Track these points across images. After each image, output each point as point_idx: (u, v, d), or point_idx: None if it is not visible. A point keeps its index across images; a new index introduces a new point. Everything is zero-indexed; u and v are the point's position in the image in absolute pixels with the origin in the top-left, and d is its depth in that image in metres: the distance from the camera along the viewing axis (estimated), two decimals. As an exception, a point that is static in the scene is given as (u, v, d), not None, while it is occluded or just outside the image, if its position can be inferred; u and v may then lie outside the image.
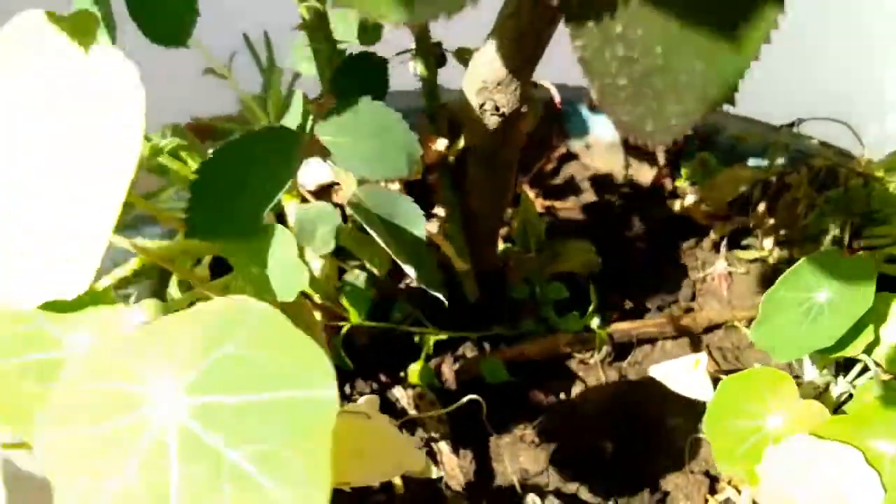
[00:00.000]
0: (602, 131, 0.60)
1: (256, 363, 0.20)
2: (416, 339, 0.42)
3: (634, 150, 0.60)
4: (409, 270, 0.29)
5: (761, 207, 0.49)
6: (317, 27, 0.34)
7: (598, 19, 0.16)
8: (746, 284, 0.48)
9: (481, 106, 0.33)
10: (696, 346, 0.46)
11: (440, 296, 0.31)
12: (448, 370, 0.42)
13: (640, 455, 0.39)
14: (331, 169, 0.40)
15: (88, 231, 0.23)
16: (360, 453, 0.27)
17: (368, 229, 0.29)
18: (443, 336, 0.41)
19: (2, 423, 0.24)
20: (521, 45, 0.30)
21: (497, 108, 0.32)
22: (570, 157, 0.61)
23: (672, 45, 0.18)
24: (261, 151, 0.28)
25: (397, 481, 0.35)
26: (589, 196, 0.58)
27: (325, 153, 0.29)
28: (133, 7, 0.28)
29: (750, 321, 0.46)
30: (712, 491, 0.37)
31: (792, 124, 0.48)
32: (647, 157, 0.60)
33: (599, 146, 0.61)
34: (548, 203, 0.58)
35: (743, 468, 0.28)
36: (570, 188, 0.60)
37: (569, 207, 0.58)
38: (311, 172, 0.40)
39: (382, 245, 0.29)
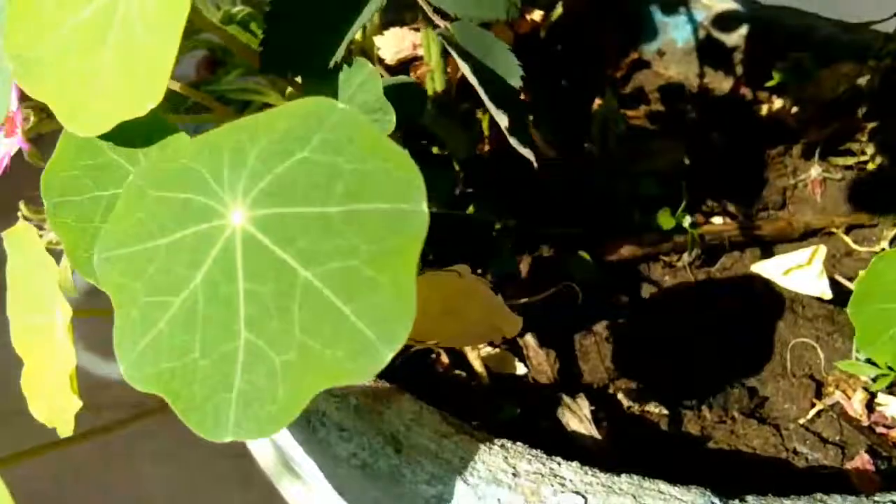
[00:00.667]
0: (676, 35, 0.57)
1: (337, 170, 0.17)
2: (495, 232, 0.39)
3: (711, 56, 0.56)
4: (501, 118, 0.26)
5: (863, 110, 0.45)
6: None
7: None
8: (843, 191, 0.45)
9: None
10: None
11: (530, 155, 0.28)
12: (526, 266, 0.39)
13: (736, 358, 0.36)
14: (417, 41, 0.36)
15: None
16: (452, 312, 0.25)
17: (461, 66, 0.25)
18: (525, 228, 0.38)
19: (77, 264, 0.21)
20: None
21: None
22: (642, 64, 0.57)
23: None
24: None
25: (481, 369, 0.32)
26: (662, 105, 0.54)
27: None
28: None
29: (849, 228, 0.43)
30: (818, 395, 0.34)
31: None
32: (725, 63, 0.56)
33: (673, 52, 0.57)
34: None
35: (891, 353, 0.25)
36: (642, 97, 0.56)
37: (640, 116, 0.54)
38: (392, 43, 0.36)
39: (474, 82, 0.25)
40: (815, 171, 0.46)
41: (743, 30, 0.54)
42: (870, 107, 0.45)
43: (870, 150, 0.45)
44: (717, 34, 0.55)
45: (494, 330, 0.26)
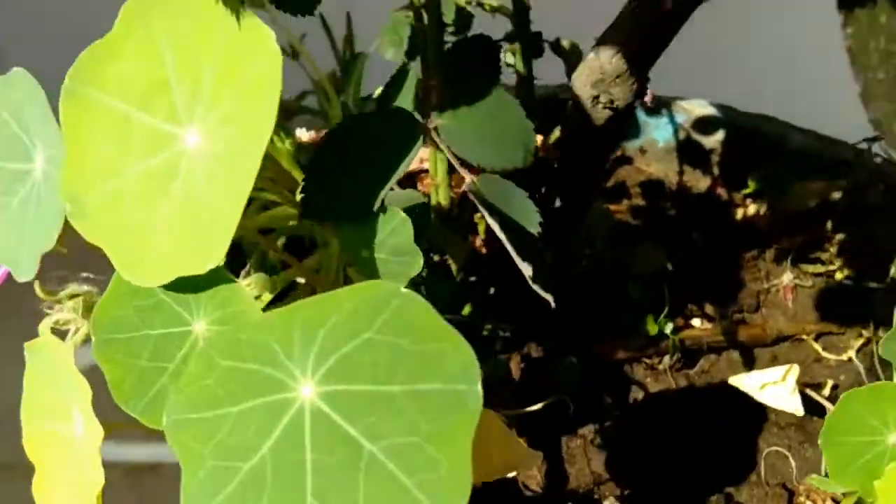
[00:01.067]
0: (657, 135, 0.60)
1: (399, 351, 0.19)
2: (485, 332, 0.41)
3: (689, 156, 0.59)
4: (525, 268, 0.28)
5: (831, 223, 0.48)
6: (427, 6, 0.33)
7: (865, 6, 0.16)
8: (812, 299, 0.48)
9: (595, 98, 0.32)
10: (759, 359, 0.45)
11: (549, 298, 0.30)
12: (516, 368, 0.41)
13: (713, 464, 0.38)
14: (424, 155, 0.39)
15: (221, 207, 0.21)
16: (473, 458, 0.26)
17: (489, 220, 0.28)
18: (518, 331, 0.40)
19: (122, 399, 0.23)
20: (647, 39, 0.29)
21: (612, 102, 0.32)
22: (625, 159, 0.60)
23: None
24: (379, 133, 0.28)
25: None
26: (643, 200, 0.57)
27: (436, 138, 0.28)
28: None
29: (818, 335, 0.46)
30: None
31: (869, 140, 0.47)
32: (703, 165, 0.59)
33: (654, 151, 0.60)
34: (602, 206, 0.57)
35: (858, 482, 0.27)
36: (624, 191, 0.59)
37: (623, 210, 0.57)
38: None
39: (501, 237, 0.28)
40: (787, 277, 0.48)
41: (720, 134, 0.58)
42: (838, 221, 0.48)
43: (837, 261, 0.48)
44: (696, 136, 0.59)
45: (511, 467, 0.28)
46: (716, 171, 0.58)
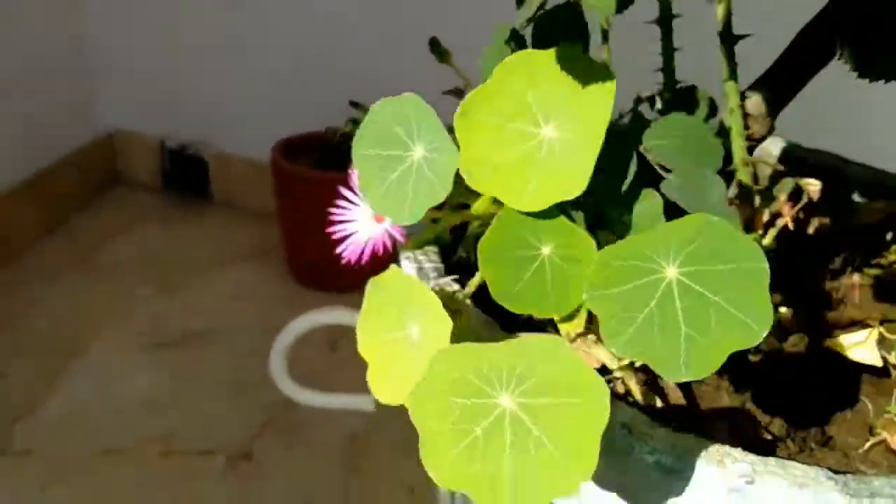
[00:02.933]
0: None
1: (719, 248, 0.32)
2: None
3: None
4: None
5: (889, 235, 0.61)
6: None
7: None
8: (874, 294, 0.60)
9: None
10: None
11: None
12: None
13: (812, 407, 0.51)
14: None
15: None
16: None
17: (681, 202, 0.40)
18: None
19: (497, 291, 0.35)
20: (781, 94, 0.42)
21: (752, 135, 0.44)
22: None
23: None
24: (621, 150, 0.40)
25: (640, 396, 0.46)
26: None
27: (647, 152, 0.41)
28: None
29: (882, 321, 0.58)
30: (871, 434, 0.49)
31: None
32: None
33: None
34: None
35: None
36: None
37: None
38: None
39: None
40: (855, 277, 0.61)
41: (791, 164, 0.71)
42: (892, 232, 0.60)
43: (893, 263, 0.60)
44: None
45: None
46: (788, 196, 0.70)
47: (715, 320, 0.30)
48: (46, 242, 1.76)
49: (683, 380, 0.30)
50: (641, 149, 0.40)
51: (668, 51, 0.44)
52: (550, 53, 0.34)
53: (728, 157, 0.43)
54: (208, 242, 1.80)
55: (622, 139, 0.39)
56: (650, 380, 0.49)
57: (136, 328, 1.54)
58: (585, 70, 0.33)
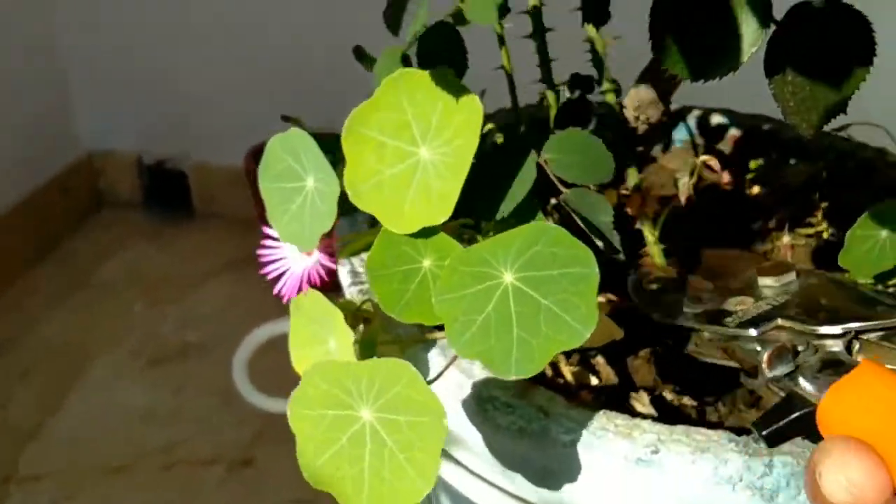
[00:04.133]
0: (675, 136, 0.75)
1: (555, 254, 0.34)
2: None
3: (704, 152, 0.74)
4: (599, 242, 0.43)
5: (816, 195, 0.63)
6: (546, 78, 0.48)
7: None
8: (807, 253, 0.62)
9: (636, 118, 0.47)
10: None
11: (621, 253, 0.44)
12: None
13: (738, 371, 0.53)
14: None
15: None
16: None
17: (575, 216, 0.42)
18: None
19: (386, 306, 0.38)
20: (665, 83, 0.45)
21: (648, 119, 0.47)
22: (650, 159, 0.75)
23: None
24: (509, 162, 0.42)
25: (570, 378, 0.48)
26: (671, 189, 0.72)
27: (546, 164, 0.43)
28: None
29: (812, 278, 0.60)
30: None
31: (840, 129, 0.62)
32: (715, 158, 0.74)
33: (673, 149, 0.75)
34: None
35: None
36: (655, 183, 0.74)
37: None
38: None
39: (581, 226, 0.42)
40: (786, 238, 0.63)
41: (725, 132, 0.73)
42: (821, 193, 0.62)
43: (823, 224, 0.62)
44: (706, 135, 0.74)
45: (610, 336, 0.43)
46: (723, 161, 0.73)
47: (544, 322, 0.32)
48: (38, 267, 1.79)
49: (512, 378, 0.33)
50: (541, 160, 0.42)
51: (545, 62, 0.46)
52: (425, 74, 0.36)
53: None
54: (196, 254, 1.82)
55: (517, 147, 0.40)
56: (581, 359, 0.52)
57: (133, 345, 1.57)
58: (455, 95, 0.35)
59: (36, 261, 1.80)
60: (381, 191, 0.36)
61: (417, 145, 0.36)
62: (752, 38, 0.36)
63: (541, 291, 0.32)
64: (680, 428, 0.40)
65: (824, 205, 0.62)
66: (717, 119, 0.73)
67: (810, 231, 0.63)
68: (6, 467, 1.31)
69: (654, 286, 0.50)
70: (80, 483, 1.27)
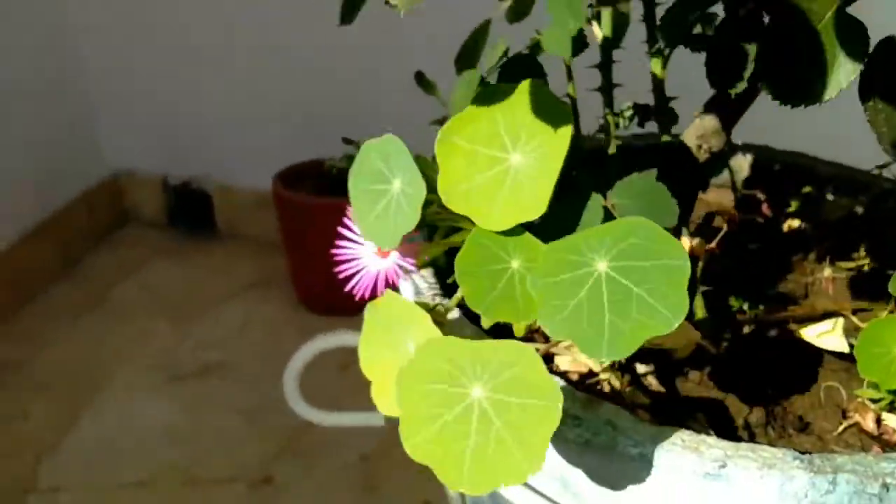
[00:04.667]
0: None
1: (648, 247, 0.36)
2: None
3: (743, 187, 0.76)
4: None
5: (857, 230, 0.64)
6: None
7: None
8: (847, 286, 0.64)
9: (699, 147, 0.49)
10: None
11: None
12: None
13: (784, 394, 0.54)
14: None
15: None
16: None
17: None
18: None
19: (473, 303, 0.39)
20: (731, 111, 0.47)
21: (710, 148, 0.49)
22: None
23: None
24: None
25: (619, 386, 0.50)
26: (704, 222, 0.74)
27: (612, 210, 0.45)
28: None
29: (855, 311, 0.62)
30: (843, 418, 0.52)
31: (880, 167, 0.64)
32: (752, 194, 0.76)
33: (711, 186, 0.77)
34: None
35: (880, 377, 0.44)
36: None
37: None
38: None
39: None
40: (827, 272, 0.64)
41: (763, 167, 0.75)
42: (862, 228, 0.64)
43: (864, 258, 0.64)
44: (745, 171, 0.76)
45: (692, 342, 0.45)
46: (762, 196, 0.74)
47: (636, 309, 0.34)
48: (61, 284, 1.81)
49: (604, 359, 0.34)
50: (608, 204, 0.44)
51: (609, 90, 0.49)
52: (522, 87, 0.38)
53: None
54: (217, 275, 1.84)
55: (582, 190, 0.42)
56: (633, 379, 0.53)
57: (153, 363, 1.58)
58: (548, 105, 0.38)
59: (59, 277, 1.82)
60: (473, 194, 0.38)
61: (508, 152, 0.38)
62: (847, 75, 0.38)
63: (633, 279, 0.34)
64: (745, 445, 0.41)
65: (865, 240, 0.64)
66: (753, 153, 0.75)
67: (851, 265, 0.65)
68: (26, 480, 1.31)
69: None
70: (100, 497, 1.27)
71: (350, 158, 0.66)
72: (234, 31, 1.75)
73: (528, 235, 0.38)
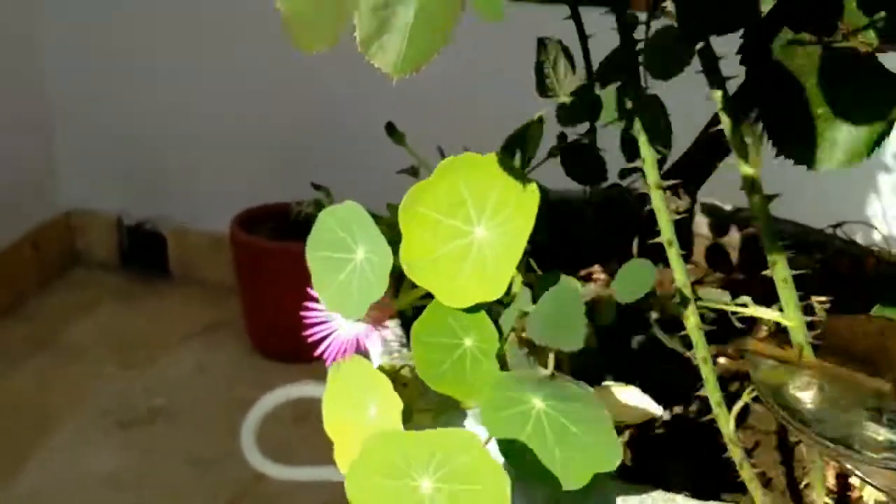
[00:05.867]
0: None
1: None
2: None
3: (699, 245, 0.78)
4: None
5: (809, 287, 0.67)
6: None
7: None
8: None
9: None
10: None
11: None
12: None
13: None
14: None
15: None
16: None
17: None
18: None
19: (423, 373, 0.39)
20: (697, 173, 0.48)
21: (677, 210, 0.50)
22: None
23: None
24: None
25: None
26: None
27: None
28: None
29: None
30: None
31: (833, 226, 0.66)
32: (710, 251, 0.78)
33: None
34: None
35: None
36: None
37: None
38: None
39: None
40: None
41: (718, 227, 0.77)
42: (815, 285, 0.66)
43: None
44: (703, 231, 0.78)
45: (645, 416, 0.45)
46: (734, 256, 0.76)
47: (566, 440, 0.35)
48: (7, 324, 1.76)
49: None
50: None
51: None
52: (489, 159, 0.39)
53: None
54: (170, 318, 1.81)
55: None
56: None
57: (101, 407, 1.54)
58: (516, 181, 0.38)
59: (5, 317, 1.77)
60: (436, 266, 0.38)
61: (473, 224, 0.38)
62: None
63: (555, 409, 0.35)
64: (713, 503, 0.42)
65: (817, 297, 0.66)
66: (718, 213, 0.77)
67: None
68: (-38, 530, 1.26)
69: (804, 390, 0.39)
70: (41, 549, 1.23)
71: (318, 204, 0.66)
72: (200, 69, 1.75)
73: (482, 315, 0.39)
